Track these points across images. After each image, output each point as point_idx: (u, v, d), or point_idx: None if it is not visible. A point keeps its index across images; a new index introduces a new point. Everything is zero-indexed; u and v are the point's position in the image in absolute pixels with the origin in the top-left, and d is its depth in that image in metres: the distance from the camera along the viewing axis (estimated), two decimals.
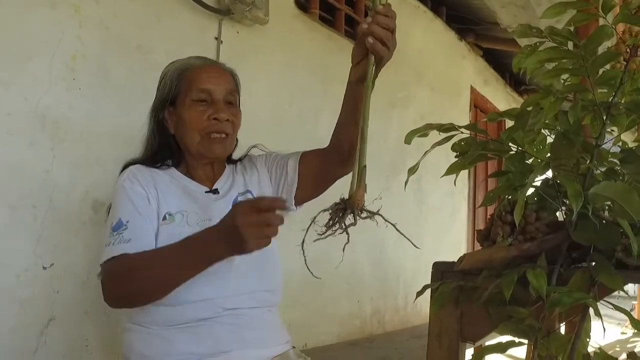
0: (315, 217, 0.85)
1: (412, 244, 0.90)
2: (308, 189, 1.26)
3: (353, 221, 0.85)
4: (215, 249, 0.93)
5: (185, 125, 1.17)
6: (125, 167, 1.21)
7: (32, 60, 1.65)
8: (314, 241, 0.84)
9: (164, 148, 1.23)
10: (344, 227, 0.84)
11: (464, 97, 4.97)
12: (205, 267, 0.97)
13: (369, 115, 0.93)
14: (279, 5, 2.63)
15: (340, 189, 0.99)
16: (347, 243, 0.85)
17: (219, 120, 1.17)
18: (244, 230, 0.86)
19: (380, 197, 0.87)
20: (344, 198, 0.87)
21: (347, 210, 0.85)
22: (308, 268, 0.86)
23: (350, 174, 1.22)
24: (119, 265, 1.02)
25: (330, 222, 0.85)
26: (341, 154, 1.18)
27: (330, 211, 0.86)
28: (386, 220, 0.86)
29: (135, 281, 1.00)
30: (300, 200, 1.27)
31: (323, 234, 0.84)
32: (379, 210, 0.86)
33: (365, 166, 0.88)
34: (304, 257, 0.87)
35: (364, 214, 0.85)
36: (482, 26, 4.73)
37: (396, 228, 0.87)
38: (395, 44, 0.95)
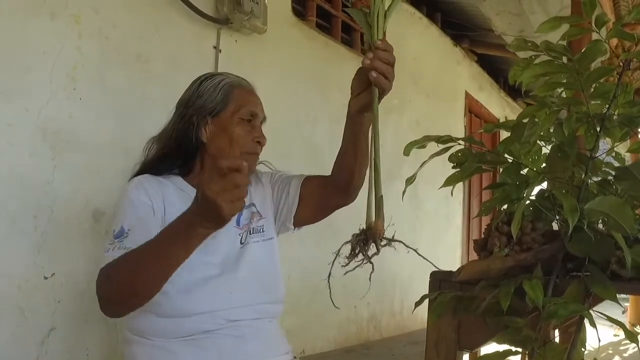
0: (339, 250, 0.87)
1: (433, 265, 0.93)
2: (307, 213, 1.28)
3: (376, 250, 0.87)
4: (195, 228, 0.89)
5: (231, 140, 1.19)
6: (135, 174, 1.21)
7: (32, 70, 1.66)
8: (344, 274, 0.86)
9: (183, 151, 1.22)
10: (368, 257, 0.86)
11: (459, 103, 5.01)
12: (189, 251, 0.93)
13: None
14: (277, 14, 2.65)
15: (357, 218, 1.00)
16: (372, 272, 0.87)
17: (260, 144, 1.23)
18: (216, 198, 0.83)
19: (393, 223, 0.89)
20: (363, 229, 0.88)
21: (368, 240, 0.86)
22: (332, 301, 0.88)
23: (349, 205, 1.26)
24: (108, 269, 1.00)
25: (353, 252, 0.87)
26: (340, 184, 1.20)
27: (352, 243, 0.87)
28: (407, 247, 0.88)
29: (125, 281, 0.97)
30: (299, 222, 1.29)
31: (347, 264, 0.86)
32: (393, 235, 0.88)
33: (382, 196, 0.89)
34: (329, 289, 0.88)
35: (384, 242, 0.87)
36: (476, 32, 4.77)
37: (418, 253, 0.91)
38: (394, 76, 0.98)
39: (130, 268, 0.97)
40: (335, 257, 0.87)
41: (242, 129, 1.20)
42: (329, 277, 0.89)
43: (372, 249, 0.87)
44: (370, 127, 1.02)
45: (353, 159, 1.14)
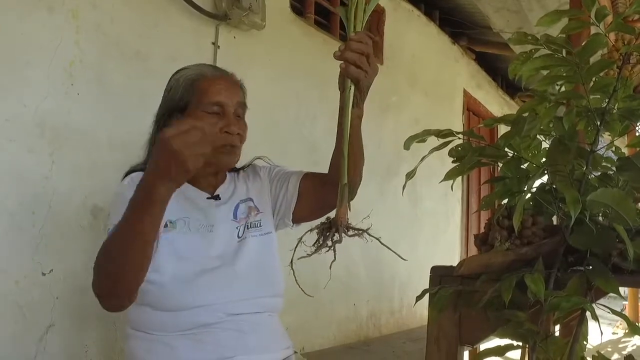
0: (301, 237, 0.87)
1: (399, 256, 0.93)
2: (306, 209, 1.26)
3: (338, 239, 0.87)
4: (156, 189, 0.87)
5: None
6: (127, 173, 1.21)
7: (30, 66, 1.66)
8: (299, 259, 0.86)
9: None
10: (328, 245, 0.86)
11: (457, 101, 5.01)
12: (156, 218, 0.90)
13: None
14: (275, 10, 2.64)
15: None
16: (333, 261, 0.87)
17: (230, 133, 1.16)
18: (182, 151, 0.83)
19: (369, 216, 0.89)
20: (329, 217, 0.88)
21: (332, 228, 0.86)
22: (300, 287, 0.88)
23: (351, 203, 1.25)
24: (94, 265, 0.99)
25: (318, 241, 0.87)
26: (336, 183, 1.17)
27: (317, 231, 0.88)
28: (371, 236, 0.88)
29: (107, 271, 0.96)
30: (297, 218, 1.27)
31: (312, 253, 0.86)
32: (368, 228, 0.88)
33: (346, 184, 0.90)
34: (294, 277, 0.88)
35: (351, 232, 0.87)
36: (475, 30, 4.77)
37: (381, 242, 0.90)
38: (375, 69, 0.97)
39: (107, 257, 0.95)
40: (298, 244, 0.86)
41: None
42: (291, 263, 0.89)
43: (337, 237, 0.87)
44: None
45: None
